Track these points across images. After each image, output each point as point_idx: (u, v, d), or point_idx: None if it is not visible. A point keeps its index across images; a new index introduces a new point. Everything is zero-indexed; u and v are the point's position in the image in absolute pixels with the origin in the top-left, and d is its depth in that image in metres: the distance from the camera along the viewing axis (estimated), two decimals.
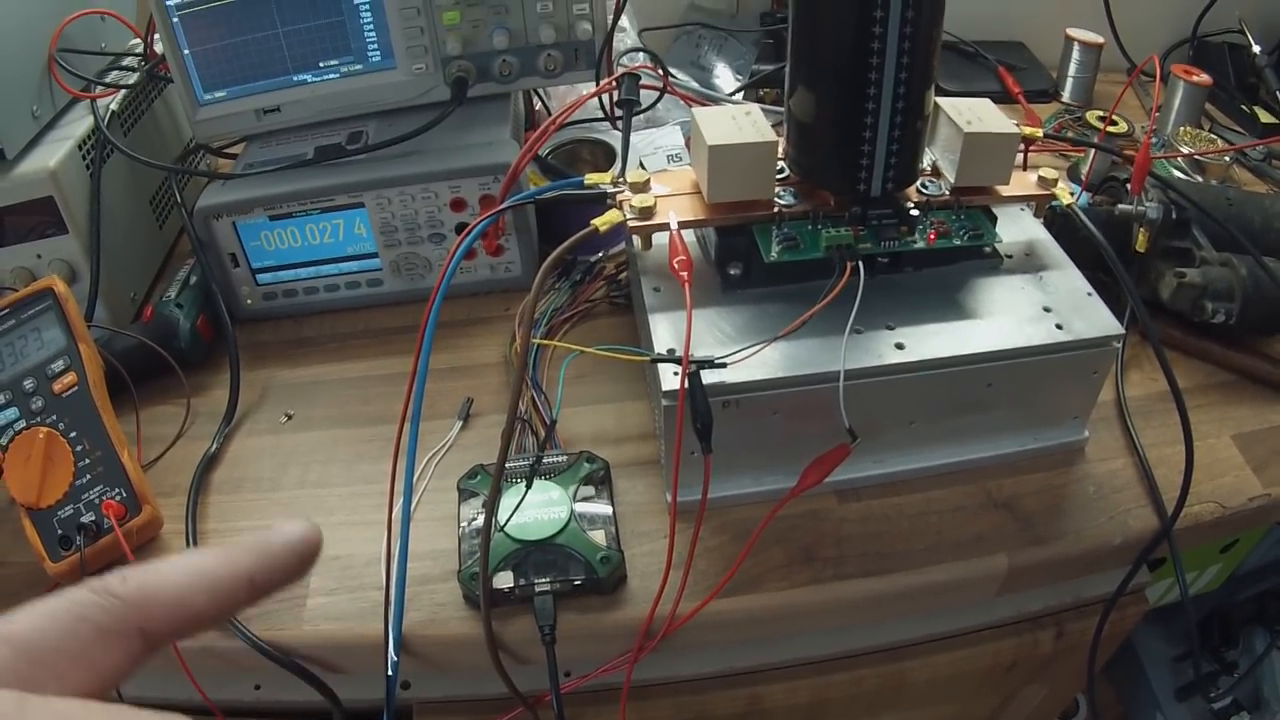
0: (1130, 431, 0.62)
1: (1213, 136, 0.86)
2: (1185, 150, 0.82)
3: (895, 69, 0.50)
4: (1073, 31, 0.92)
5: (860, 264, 0.53)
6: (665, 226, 0.55)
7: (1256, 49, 0.96)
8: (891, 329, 0.55)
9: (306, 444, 0.64)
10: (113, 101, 0.73)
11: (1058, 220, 0.68)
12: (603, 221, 0.55)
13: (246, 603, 0.27)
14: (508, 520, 0.54)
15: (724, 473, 0.57)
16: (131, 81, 0.75)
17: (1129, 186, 0.68)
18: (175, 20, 0.67)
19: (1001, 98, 0.95)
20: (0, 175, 0.64)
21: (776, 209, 0.56)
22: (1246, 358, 0.66)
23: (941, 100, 0.58)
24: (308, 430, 0.65)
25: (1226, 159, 0.84)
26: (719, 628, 0.54)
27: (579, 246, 0.55)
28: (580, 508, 0.56)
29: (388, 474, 0.54)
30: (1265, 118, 0.95)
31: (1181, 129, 0.85)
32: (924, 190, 0.58)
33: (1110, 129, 0.77)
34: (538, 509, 0.55)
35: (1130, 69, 1.01)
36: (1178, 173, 0.81)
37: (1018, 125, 0.60)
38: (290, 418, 0.66)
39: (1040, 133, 0.63)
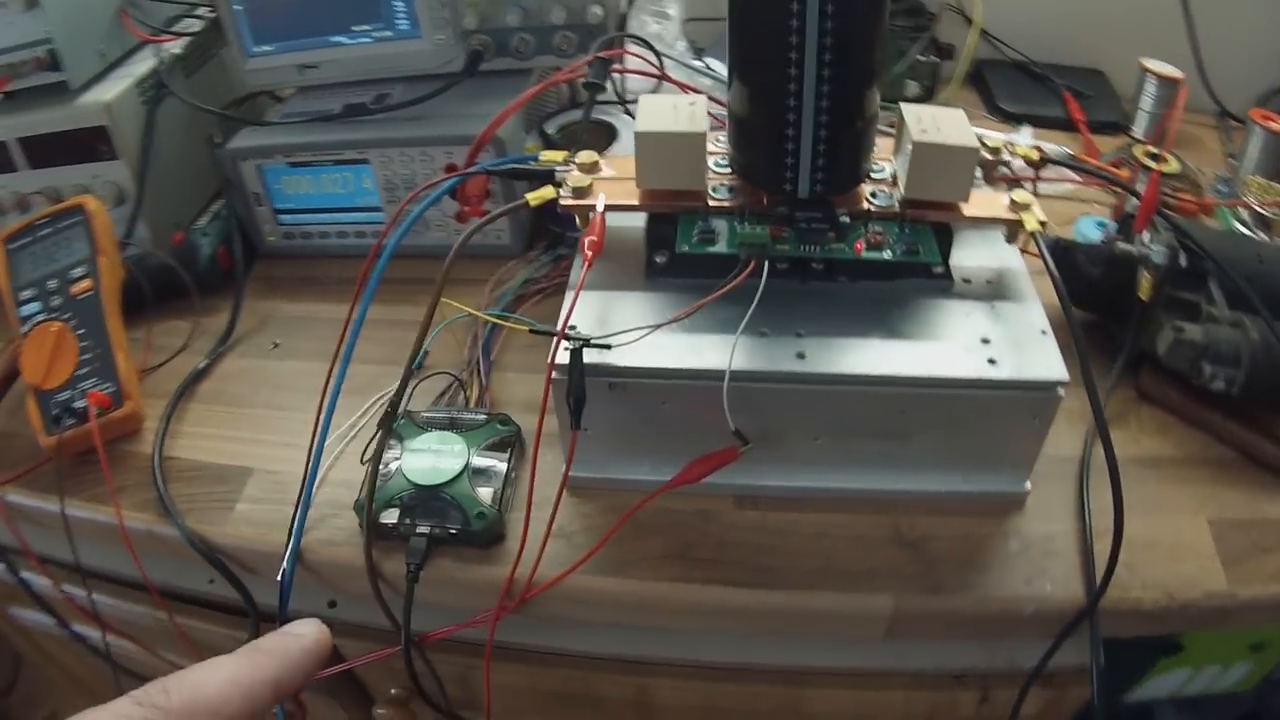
0: (1084, 493, 0.57)
1: None
2: (1250, 201, 0.73)
3: (817, 64, 0.49)
4: (1148, 62, 0.84)
5: (766, 264, 0.53)
6: (591, 207, 0.56)
7: None
8: (800, 336, 0.53)
9: (284, 371, 0.70)
10: (175, 46, 0.82)
11: (1058, 253, 0.64)
12: (534, 196, 0.58)
13: (272, 704, 0.31)
14: (389, 468, 0.57)
15: (622, 457, 0.58)
16: (196, 30, 0.84)
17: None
18: None
19: (1066, 125, 0.88)
20: (64, 104, 0.75)
21: (707, 202, 0.56)
22: (1249, 434, 0.59)
23: (907, 106, 0.55)
24: (290, 359, 0.71)
25: None
26: (584, 604, 0.56)
27: (567, 223, 0.57)
28: (478, 463, 0.58)
29: (341, 405, 0.58)
30: None
31: (1252, 178, 0.76)
32: (872, 199, 0.56)
33: (1163, 167, 0.70)
34: (437, 457, 0.58)
35: (1220, 112, 0.91)
36: (1239, 226, 0.73)
37: (995, 146, 0.57)
38: (277, 346, 0.73)
39: (1008, 152, 0.59)
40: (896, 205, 0.55)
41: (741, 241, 0.55)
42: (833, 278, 0.57)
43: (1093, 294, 0.64)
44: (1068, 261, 0.64)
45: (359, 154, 0.74)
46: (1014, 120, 0.90)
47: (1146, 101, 0.85)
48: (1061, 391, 0.52)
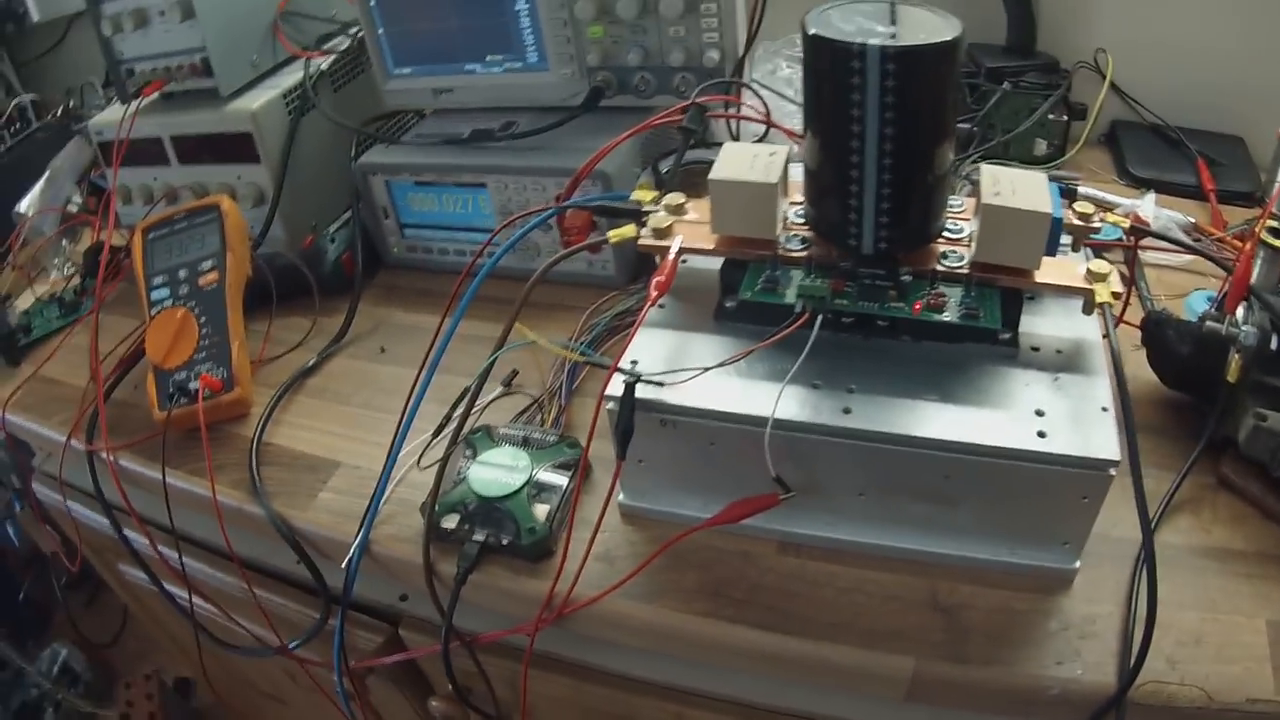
0: (1135, 578, 0.55)
1: None
2: None
3: (879, 121, 0.50)
4: None
5: (819, 316, 0.54)
6: (668, 248, 0.59)
7: None
8: (851, 392, 0.54)
9: (386, 375, 0.76)
10: (324, 62, 0.90)
11: (1150, 328, 0.62)
12: (615, 234, 0.61)
13: None
14: (460, 476, 0.62)
15: (672, 489, 0.60)
16: (344, 48, 0.92)
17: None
18: (372, 4, 0.82)
19: (1196, 193, 0.84)
20: (214, 108, 0.84)
21: (778, 251, 0.58)
22: None
23: (987, 167, 0.55)
24: (394, 365, 0.77)
25: None
26: (617, 627, 0.58)
27: None
28: (541, 480, 0.62)
29: (427, 413, 0.64)
30: None
31: None
32: (944, 259, 0.56)
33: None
34: (503, 471, 0.62)
35: None
36: None
37: (1085, 211, 0.56)
38: (384, 351, 0.79)
39: (1100, 219, 0.57)
40: (965, 267, 0.55)
41: (800, 293, 0.56)
42: (896, 336, 0.57)
43: (1181, 372, 0.61)
44: (1158, 337, 0.61)
45: (477, 179, 0.79)
46: (1143, 185, 0.86)
47: None
48: (1113, 471, 0.50)
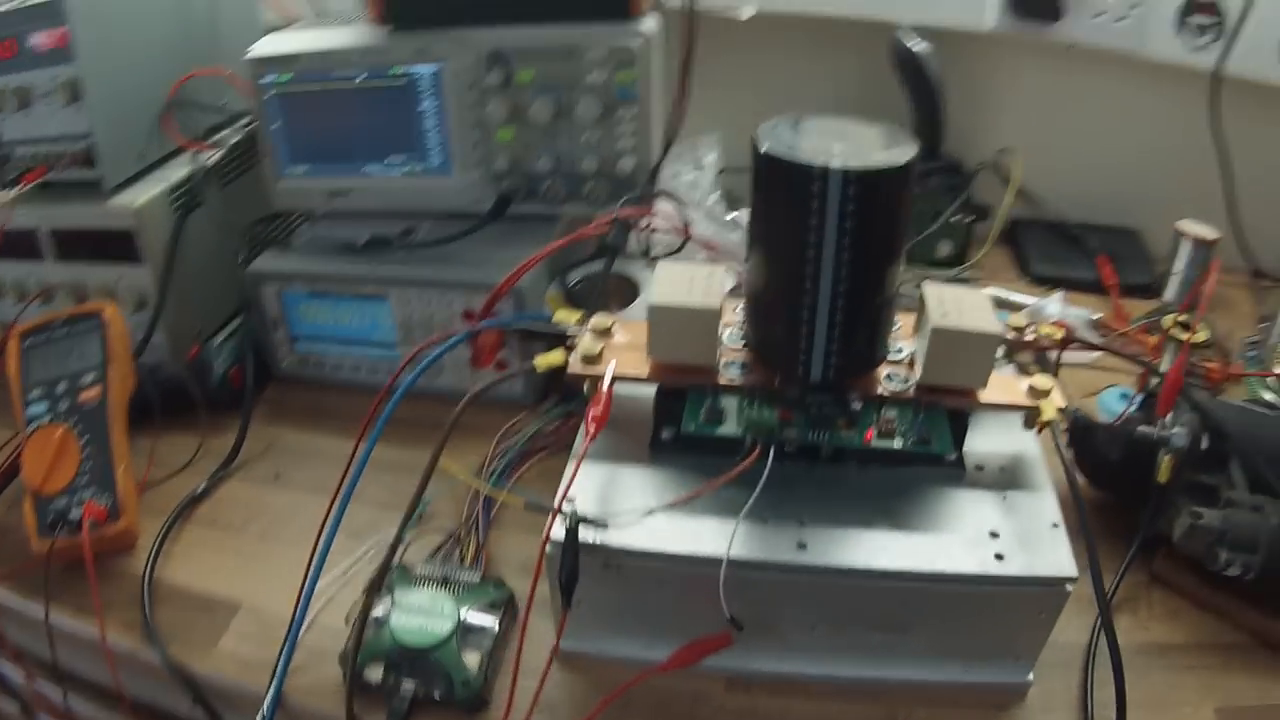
0: (1088, 685, 0.56)
1: None
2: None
3: (836, 250, 0.49)
4: (1184, 225, 0.84)
5: (771, 449, 0.52)
6: (600, 377, 0.56)
7: None
8: (802, 525, 0.53)
9: (284, 503, 0.71)
10: (212, 157, 0.84)
11: (1078, 434, 0.63)
12: (542, 362, 0.58)
13: None
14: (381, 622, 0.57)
15: (614, 632, 0.57)
16: (234, 142, 0.87)
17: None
18: (269, 97, 0.77)
19: (1096, 288, 0.88)
20: (97, 202, 0.77)
21: (718, 379, 0.56)
22: (1263, 619, 0.58)
23: (932, 286, 0.55)
24: (290, 491, 0.72)
25: None
26: None
27: None
28: (469, 625, 0.58)
29: (337, 546, 0.58)
30: None
31: None
32: (888, 381, 0.55)
33: (1192, 338, 0.69)
34: (427, 617, 0.58)
35: (1254, 272, 0.91)
36: (1269, 394, 0.72)
37: (1018, 324, 0.57)
38: (279, 477, 0.73)
39: (1030, 333, 0.58)
40: (912, 390, 0.55)
41: (748, 425, 0.54)
42: (842, 463, 0.56)
43: (1111, 476, 0.62)
44: (1087, 443, 0.63)
45: (378, 290, 0.75)
46: (1045, 282, 0.90)
47: (1180, 264, 0.84)
48: (1069, 588, 0.51)
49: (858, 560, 0.51)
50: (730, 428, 0.56)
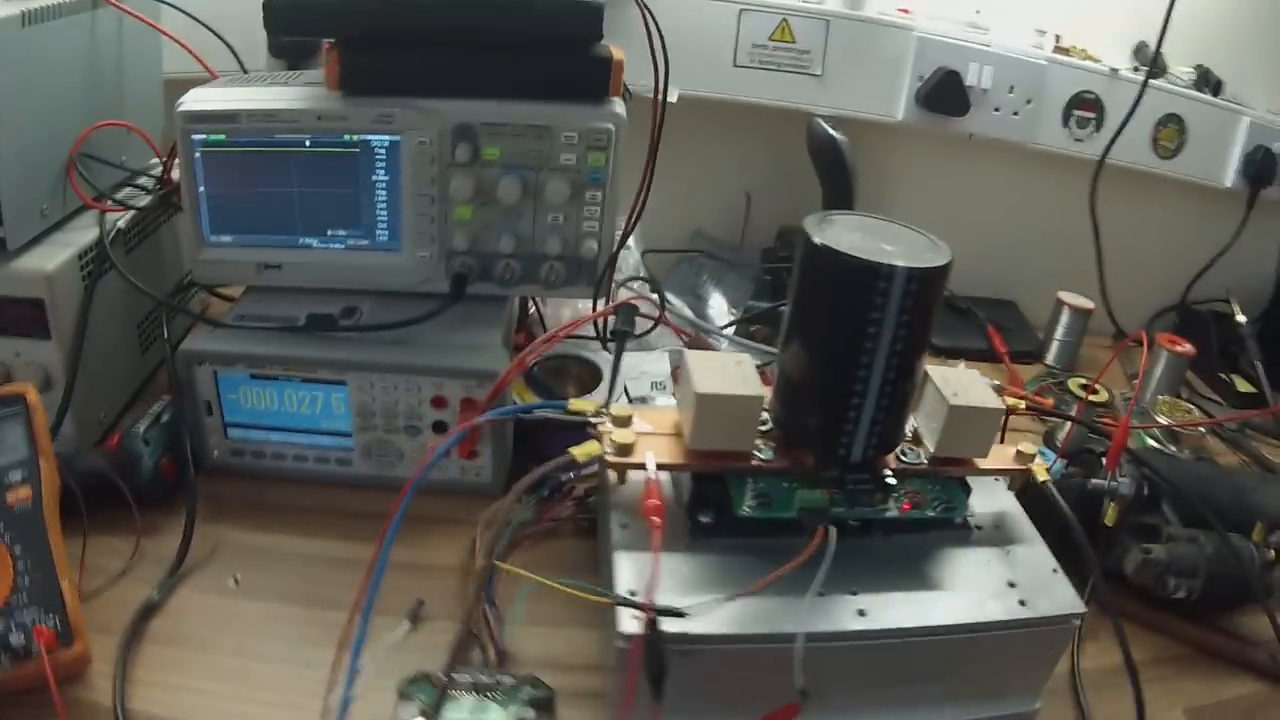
0: (1082, 705, 0.64)
1: (1190, 407, 0.90)
2: (1163, 421, 0.86)
3: (891, 341, 0.53)
4: (1064, 295, 0.98)
5: (832, 529, 0.55)
6: (642, 466, 0.57)
7: (1241, 319, 1.02)
8: (854, 594, 0.56)
9: (250, 612, 0.64)
10: (120, 219, 0.76)
11: (1030, 487, 0.71)
12: (581, 452, 0.58)
13: None
14: None
15: (686, 714, 0.57)
16: (144, 204, 0.78)
17: (1104, 459, 0.71)
18: (197, 156, 0.70)
19: (987, 356, 1.00)
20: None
21: (755, 462, 0.58)
22: (1201, 631, 0.70)
23: (932, 369, 0.60)
24: (254, 599, 0.65)
25: (1201, 430, 0.88)
26: None
27: (552, 453, 0.57)
28: None
29: (329, 661, 0.55)
30: (1242, 386, 1.01)
31: (1161, 398, 0.89)
32: (902, 457, 0.60)
33: (1091, 398, 0.80)
34: None
35: (1117, 334, 1.06)
36: (1152, 441, 0.85)
37: (1001, 395, 0.63)
38: (238, 582, 0.66)
39: (1023, 404, 0.66)
40: (925, 462, 0.60)
41: (802, 506, 0.57)
42: (869, 534, 0.60)
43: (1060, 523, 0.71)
44: (1038, 495, 0.70)
45: (335, 374, 0.70)
46: (940, 353, 1.00)
47: (1059, 330, 0.97)
48: (1077, 622, 0.58)
49: (913, 620, 0.56)
50: (780, 511, 0.58)
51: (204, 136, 0.70)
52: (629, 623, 0.52)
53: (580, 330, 0.76)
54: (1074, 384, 0.85)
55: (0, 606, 0.56)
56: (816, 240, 0.54)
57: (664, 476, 0.60)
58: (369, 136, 0.70)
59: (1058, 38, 1.07)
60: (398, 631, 0.63)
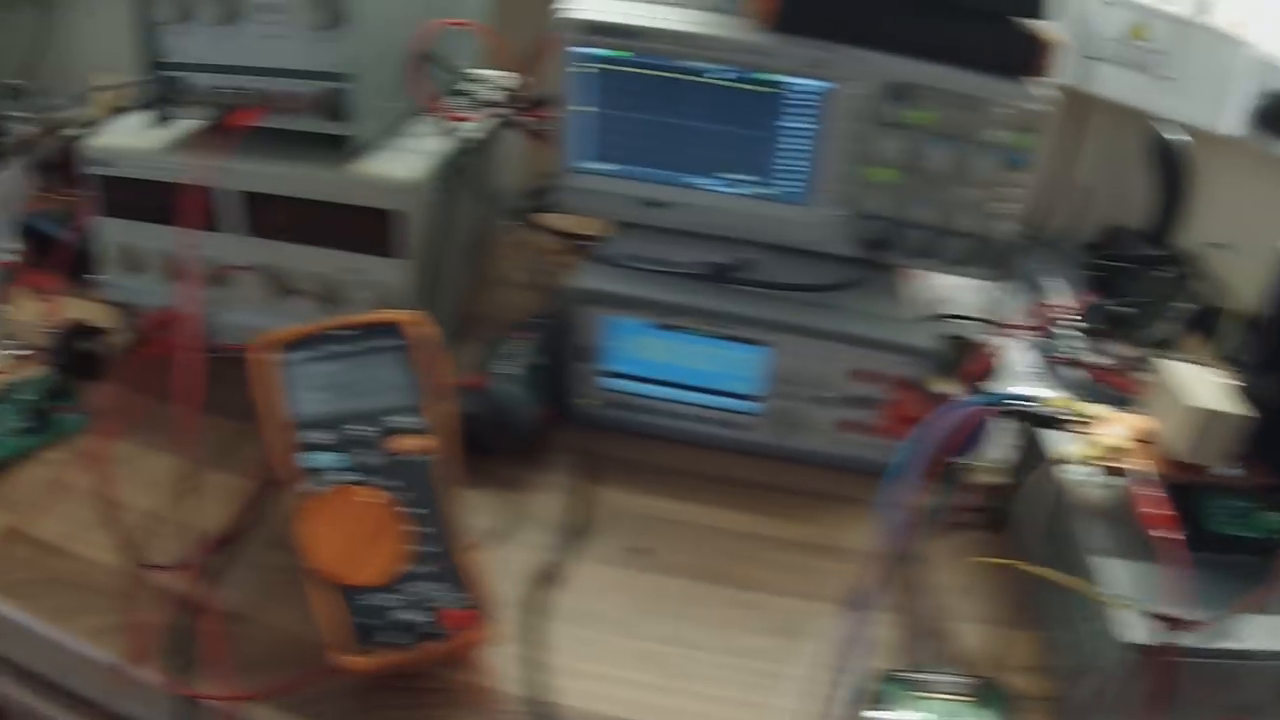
0: None
1: None
2: None
3: None
4: None
5: None
6: (1135, 474, 0.57)
7: None
8: None
9: (666, 590, 0.61)
10: (474, 129, 0.71)
11: None
12: (1087, 454, 0.58)
13: None
14: None
15: None
16: (504, 115, 0.74)
17: None
18: (586, 71, 0.66)
19: None
20: (335, 167, 0.62)
21: (1222, 478, 0.59)
22: None
23: None
24: (663, 574, 0.62)
25: None
26: None
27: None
28: None
29: (763, 649, 0.54)
30: None
31: None
32: None
33: None
34: None
35: None
36: None
37: None
38: (646, 553, 0.62)
39: None
40: None
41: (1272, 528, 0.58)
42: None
43: None
44: None
45: (758, 334, 0.66)
46: None
47: None
48: None
49: None
50: (1249, 528, 0.59)
51: (598, 51, 0.66)
52: (1135, 632, 0.52)
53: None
54: None
55: (393, 578, 0.51)
56: None
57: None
58: (791, 79, 0.67)
59: None
60: (834, 621, 0.60)
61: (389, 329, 0.55)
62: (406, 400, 0.54)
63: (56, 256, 0.78)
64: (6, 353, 0.77)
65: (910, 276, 0.77)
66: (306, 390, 0.53)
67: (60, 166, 0.99)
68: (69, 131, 1.01)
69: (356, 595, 0.50)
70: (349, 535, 0.50)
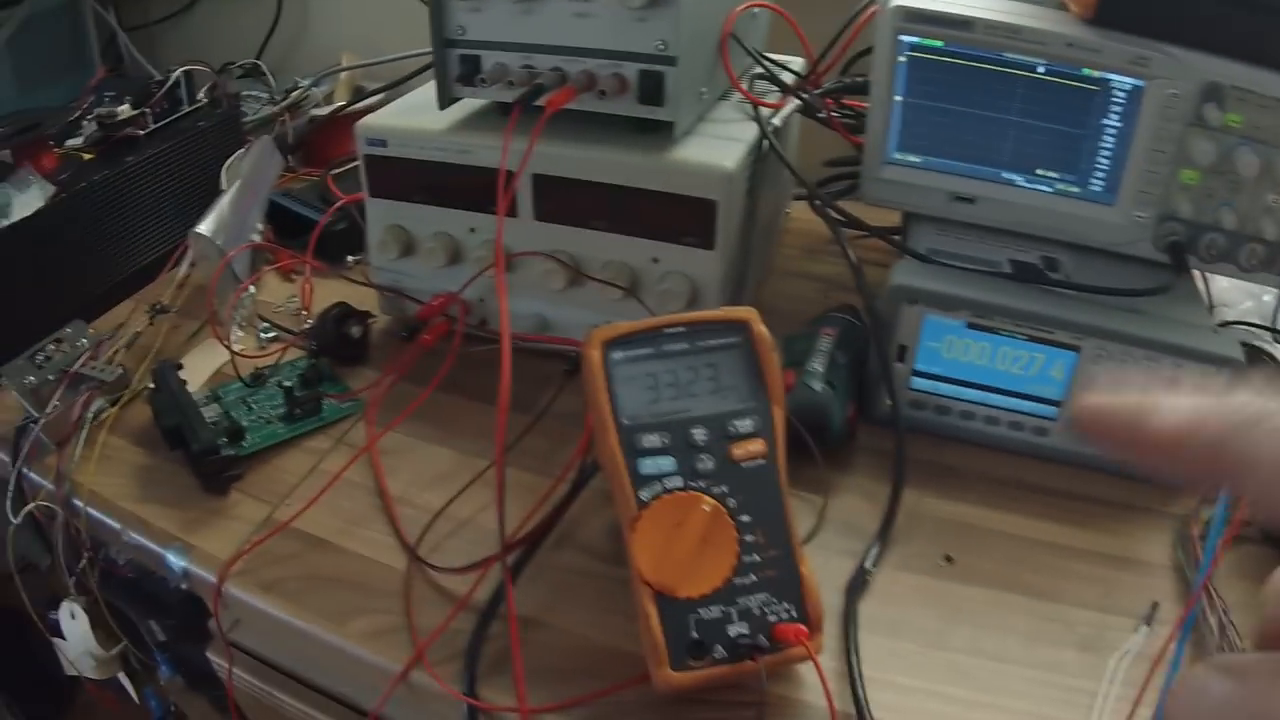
0: None
1: None
2: None
3: None
4: None
5: None
6: None
7: None
8: None
9: (974, 600, 0.60)
10: (777, 115, 0.70)
11: None
12: None
13: None
14: None
15: None
16: (804, 100, 0.73)
17: None
18: (902, 60, 0.65)
19: None
20: (650, 153, 0.61)
21: None
22: None
23: None
24: (972, 584, 0.61)
25: None
26: None
27: None
28: None
29: (1068, 664, 0.53)
30: None
31: None
32: None
33: None
34: None
35: None
36: None
37: None
38: (950, 561, 0.61)
39: None
40: None
41: None
42: None
43: None
44: None
45: (1071, 338, 0.65)
46: None
47: None
48: None
49: None
50: None
51: (917, 40, 0.64)
52: None
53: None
54: None
55: (716, 588, 0.49)
56: None
57: None
58: (1112, 75, 0.66)
59: None
60: (1136, 636, 0.58)
61: (729, 327, 0.53)
62: (748, 403, 0.52)
63: (306, 237, 0.77)
64: (265, 336, 0.78)
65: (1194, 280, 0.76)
66: (638, 390, 0.52)
67: (303, 146, 1.01)
68: (316, 111, 1.01)
69: (685, 608, 0.48)
70: (682, 545, 0.49)
